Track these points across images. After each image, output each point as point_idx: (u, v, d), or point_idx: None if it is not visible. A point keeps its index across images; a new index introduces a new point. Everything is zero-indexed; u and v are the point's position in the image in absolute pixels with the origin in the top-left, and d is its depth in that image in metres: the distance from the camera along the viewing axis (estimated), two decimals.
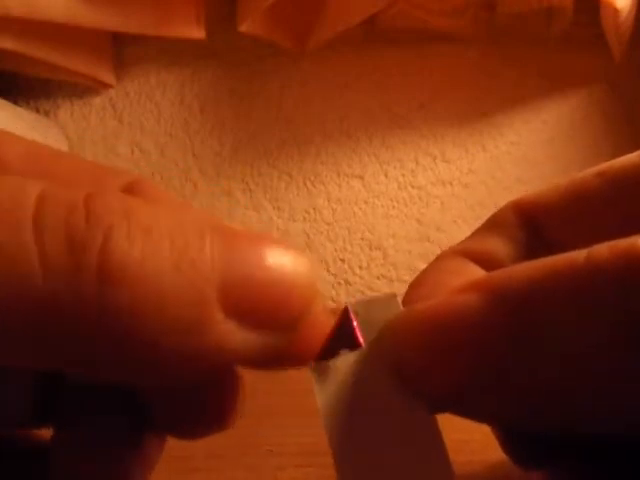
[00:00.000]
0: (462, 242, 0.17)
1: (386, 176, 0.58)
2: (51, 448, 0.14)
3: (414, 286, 0.15)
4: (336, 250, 0.57)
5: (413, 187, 0.58)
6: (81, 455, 0.13)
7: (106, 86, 0.56)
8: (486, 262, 0.16)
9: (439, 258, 0.17)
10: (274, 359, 0.11)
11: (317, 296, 0.11)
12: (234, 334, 0.10)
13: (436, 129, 0.59)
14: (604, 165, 0.16)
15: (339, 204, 0.58)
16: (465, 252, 0.16)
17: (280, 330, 0.11)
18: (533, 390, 0.10)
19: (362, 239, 0.57)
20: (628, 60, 0.56)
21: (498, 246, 0.16)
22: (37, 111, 0.56)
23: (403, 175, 0.58)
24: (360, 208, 0.58)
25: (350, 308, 0.13)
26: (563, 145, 0.59)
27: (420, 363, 0.11)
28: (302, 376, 0.13)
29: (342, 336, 0.12)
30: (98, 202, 0.10)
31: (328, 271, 0.56)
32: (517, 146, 0.59)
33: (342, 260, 0.57)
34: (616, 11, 0.47)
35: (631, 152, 0.16)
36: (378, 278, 0.56)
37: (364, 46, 0.58)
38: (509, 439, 0.15)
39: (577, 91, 0.60)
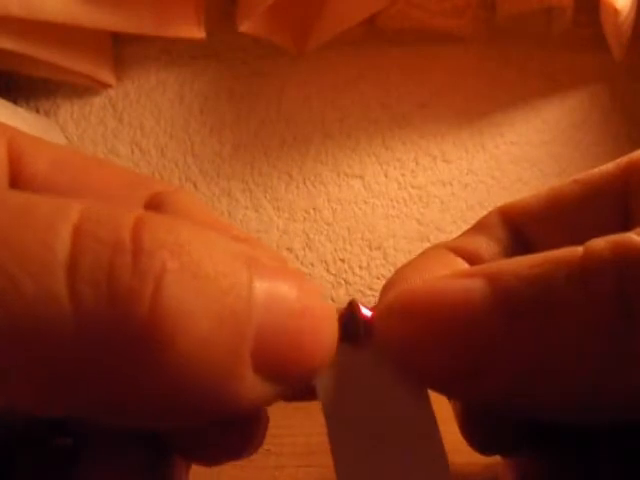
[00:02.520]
0: (449, 240, 0.18)
1: (386, 176, 0.58)
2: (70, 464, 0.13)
3: (401, 270, 0.16)
4: (336, 250, 0.57)
5: (413, 187, 0.58)
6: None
7: (106, 86, 0.56)
8: (470, 258, 0.17)
9: (426, 250, 0.18)
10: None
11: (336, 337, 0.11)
12: (256, 387, 0.10)
13: (436, 129, 0.59)
14: (582, 174, 0.17)
15: (339, 204, 0.58)
16: (451, 248, 0.17)
17: (302, 380, 0.11)
18: (531, 374, 0.11)
19: (362, 239, 0.57)
20: (628, 60, 0.56)
21: (482, 244, 0.17)
22: (37, 111, 0.56)
23: (403, 175, 0.58)
24: (360, 208, 0.58)
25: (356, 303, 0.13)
26: (563, 145, 0.59)
27: (417, 345, 0.11)
28: None
29: (345, 330, 0.12)
30: (146, 235, 0.09)
31: (328, 271, 0.56)
32: (517, 146, 0.59)
33: (342, 260, 0.57)
34: (616, 11, 0.47)
35: (631, 152, 0.16)
36: (378, 278, 0.56)
37: (364, 46, 0.58)
38: (470, 425, 0.16)
39: (577, 91, 0.60)
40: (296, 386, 0.11)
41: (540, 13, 0.55)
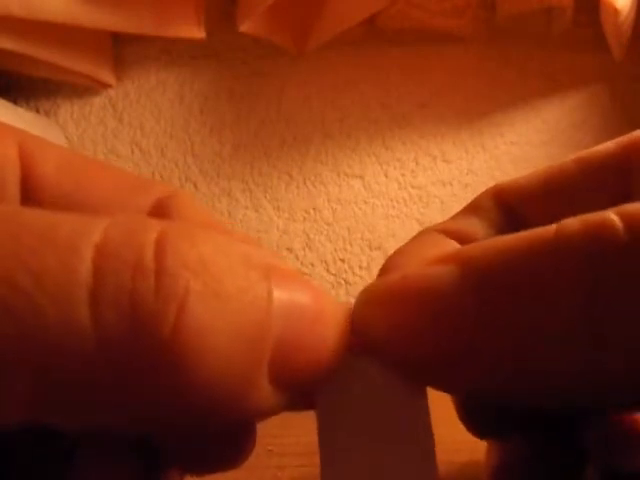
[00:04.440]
0: (442, 222, 0.17)
1: (386, 176, 0.58)
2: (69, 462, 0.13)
3: (392, 257, 0.15)
4: (336, 250, 0.57)
5: (413, 187, 0.58)
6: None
7: (106, 86, 0.56)
8: (464, 240, 0.16)
9: (419, 234, 0.17)
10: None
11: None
12: (270, 397, 0.10)
13: (436, 129, 0.59)
14: (582, 152, 0.16)
15: (339, 204, 0.58)
16: (444, 230, 0.17)
17: (311, 388, 0.11)
18: (504, 360, 0.10)
19: (362, 239, 0.57)
20: (628, 60, 0.56)
21: (475, 226, 0.17)
22: (37, 111, 0.56)
23: (403, 175, 0.58)
24: (360, 208, 0.58)
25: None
26: (563, 145, 0.59)
27: (391, 334, 0.11)
28: None
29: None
30: (169, 253, 0.08)
31: (328, 271, 0.56)
32: (517, 146, 0.59)
33: (342, 260, 0.57)
34: (616, 11, 0.47)
35: None
36: None
37: (364, 46, 0.58)
38: (466, 409, 0.15)
39: (577, 91, 0.60)
40: (305, 395, 0.11)
41: (540, 13, 0.55)
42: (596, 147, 0.16)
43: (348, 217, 0.57)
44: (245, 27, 0.50)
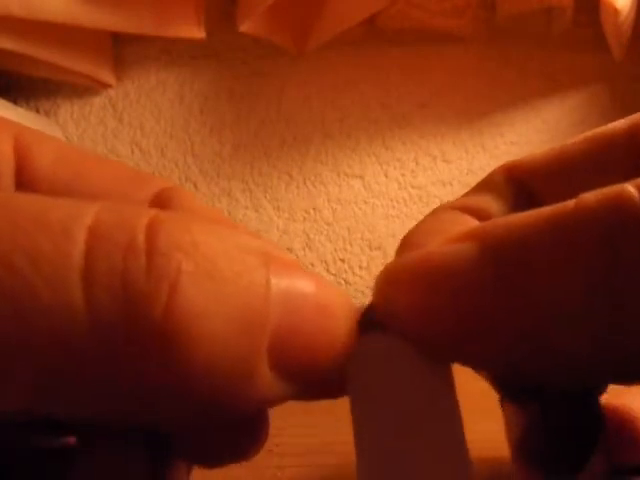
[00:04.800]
0: (455, 200, 0.17)
1: (386, 176, 0.58)
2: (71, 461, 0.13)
3: (410, 234, 0.15)
4: (336, 250, 0.57)
5: (413, 187, 0.58)
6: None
7: (106, 86, 0.56)
8: (478, 216, 0.16)
9: (434, 211, 0.17)
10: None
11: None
12: (272, 386, 0.10)
13: (436, 129, 0.59)
14: (593, 130, 0.16)
15: (339, 204, 0.58)
16: (459, 207, 0.17)
17: (316, 378, 0.11)
18: (523, 336, 0.10)
19: (362, 239, 0.57)
20: (628, 60, 0.56)
21: (489, 202, 0.17)
22: (37, 111, 0.56)
23: (403, 175, 0.58)
24: (360, 208, 0.58)
25: None
26: None
27: (412, 312, 0.11)
28: None
29: (372, 316, 0.12)
30: (162, 235, 0.08)
31: (328, 271, 0.56)
32: (517, 146, 0.59)
33: (342, 260, 0.57)
34: (616, 11, 0.47)
35: None
36: None
37: (364, 46, 0.58)
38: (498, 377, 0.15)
39: (577, 91, 0.60)
40: (310, 385, 0.10)
41: (540, 13, 0.55)
42: (607, 125, 0.16)
43: (348, 217, 0.57)
44: (245, 27, 0.50)
